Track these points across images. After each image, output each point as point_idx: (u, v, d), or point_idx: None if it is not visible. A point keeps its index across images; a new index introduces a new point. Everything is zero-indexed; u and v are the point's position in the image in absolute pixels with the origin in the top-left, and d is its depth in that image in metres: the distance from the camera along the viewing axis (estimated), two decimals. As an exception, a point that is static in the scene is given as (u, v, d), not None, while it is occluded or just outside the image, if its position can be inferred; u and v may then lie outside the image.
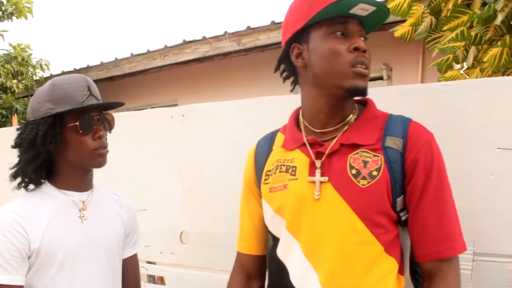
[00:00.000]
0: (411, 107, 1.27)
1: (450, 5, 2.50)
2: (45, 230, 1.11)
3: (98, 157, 1.18)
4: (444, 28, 2.36)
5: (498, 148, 1.17)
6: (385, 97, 1.33)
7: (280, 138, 1.15)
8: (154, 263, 1.79)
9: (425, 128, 1.03)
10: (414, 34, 2.74)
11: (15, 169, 1.19)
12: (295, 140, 1.09)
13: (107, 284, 1.21)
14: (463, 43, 2.33)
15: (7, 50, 6.35)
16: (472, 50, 2.36)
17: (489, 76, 2.24)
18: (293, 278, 1.01)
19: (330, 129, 1.06)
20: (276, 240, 1.08)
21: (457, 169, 1.21)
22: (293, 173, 1.05)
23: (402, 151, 0.98)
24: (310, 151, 1.04)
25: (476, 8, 2.26)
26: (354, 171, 0.98)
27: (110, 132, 1.24)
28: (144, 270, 1.78)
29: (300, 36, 1.05)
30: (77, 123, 1.14)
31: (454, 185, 1.20)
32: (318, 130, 1.07)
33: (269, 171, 1.11)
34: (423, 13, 2.67)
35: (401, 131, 1.01)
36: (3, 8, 6.21)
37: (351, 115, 1.07)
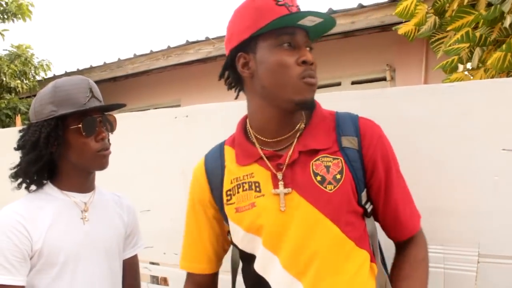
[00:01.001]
0: (415, 108, 1.26)
1: (454, 5, 2.50)
2: (48, 231, 1.12)
3: (101, 159, 1.18)
4: (449, 28, 2.36)
5: (503, 149, 1.16)
6: (388, 98, 1.33)
7: (229, 152, 1.12)
8: (157, 263, 1.79)
9: (373, 122, 1.07)
10: (417, 34, 2.74)
11: (15, 169, 1.19)
12: (250, 155, 1.07)
13: (107, 284, 1.22)
14: (467, 44, 2.32)
15: (9, 51, 6.37)
16: (477, 51, 2.36)
17: (493, 77, 2.24)
18: None
19: (282, 137, 1.06)
20: (248, 256, 1.07)
21: (461, 170, 1.21)
22: (257, 189, 1.03)
23: (359, 149, 1.03)
24: (269, 164, 1.04)
25: (482, 9, 2.25)
26: (319, 178, 0.99)
27: (112, 133, 1.25)
28: (147, 270, 1.78)
29: (246, 45, 1.03)
30: (80, 125, 1.14)
31: (458, 186, 1.21)
32: (270, 140, 1.06)
33: (230, 190, 1.07)
34: (427, 13, 2.67)
35: (353, 129, 1.04)
36: (7, 8, 6.24)
37: (301, 121, 1.08)
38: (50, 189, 1.19)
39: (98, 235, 1.21)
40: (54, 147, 1.14)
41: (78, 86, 1.16)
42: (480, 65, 2.38)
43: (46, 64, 6.60)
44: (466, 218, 1.20)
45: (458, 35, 2.24)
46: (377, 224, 1.09)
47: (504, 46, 1.99)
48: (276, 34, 1.00)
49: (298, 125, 1.06)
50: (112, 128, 1.24)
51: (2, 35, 6.35)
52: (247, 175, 1.06)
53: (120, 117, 1.28)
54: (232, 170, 1.09)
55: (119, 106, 1.24)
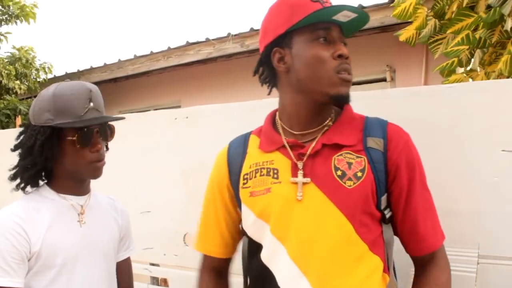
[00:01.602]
0: (415, 109, 1.27)
1: (454, 8, 2.51)
2: (46, 233, 1.12)
3: (94, 170, 1.18)
4: (449, 31, 2.36)
5: (503, 150, 1.16)
6: (389, 99, 1.33)
7: (254, 141, 1.14)
8: (157, 265, 1.79)
9: (402, 128, 1.07)
10: (418, 40, 2.75)
11: (14, 171, 1.20)
12: (274, 142, 1.08)
13: (105, 286, 1.22)
14: (467, 47, 2.33)
15: (11, 53, 6.38)
16: (478, 53, 2.36)
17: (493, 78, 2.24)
18: (281, 283, 1.00)
19: (309, 131, 1.06)
20: (255, 245, 1.07)
21: (461, 171, 1.21)
22: (275, 176, 1.04)
23: (384, 151, 1.01)
24: (291, 153, 1.04)
25: (481, 11, 2.26)
26: (339, 173, 0.99)
27: (109, 141, 1.24)
28: (148, 272, 1.78)
29: (282, 41, 1.04)
30: (75, 138, 1.13)
31: (458, 187, 1.21)
32: (297, 132, 1.07)
33: (247, 174, 1.08)
34: (427, 15, 2.68)
35: (381, 132, 1.04)
36: (10, 11, 6.24)
37: (329, 118, 1.08)
38: (46, 191, 1.20)
39: (95, 238, 1.21)
40: (49, 154, 1.14)
41: (78, 95, 1.14)
42: (481, 67, 2.39)
43: (48, 67, 6.61)
44: (466, 218, 1.20)
45: (458, 38, 2.24)
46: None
47: (509, 49, 1.99)
48: (311, 29, 1.01)
49: (327, 122, 1.07)
50: (109, 137, 1.23)
51: (5, 37, 6.36)
52: (267, 162, 1.07)
53: (120, 118, 1.28)
54: (253, 156, 1.10)
55: (117, 119, 1.23)
